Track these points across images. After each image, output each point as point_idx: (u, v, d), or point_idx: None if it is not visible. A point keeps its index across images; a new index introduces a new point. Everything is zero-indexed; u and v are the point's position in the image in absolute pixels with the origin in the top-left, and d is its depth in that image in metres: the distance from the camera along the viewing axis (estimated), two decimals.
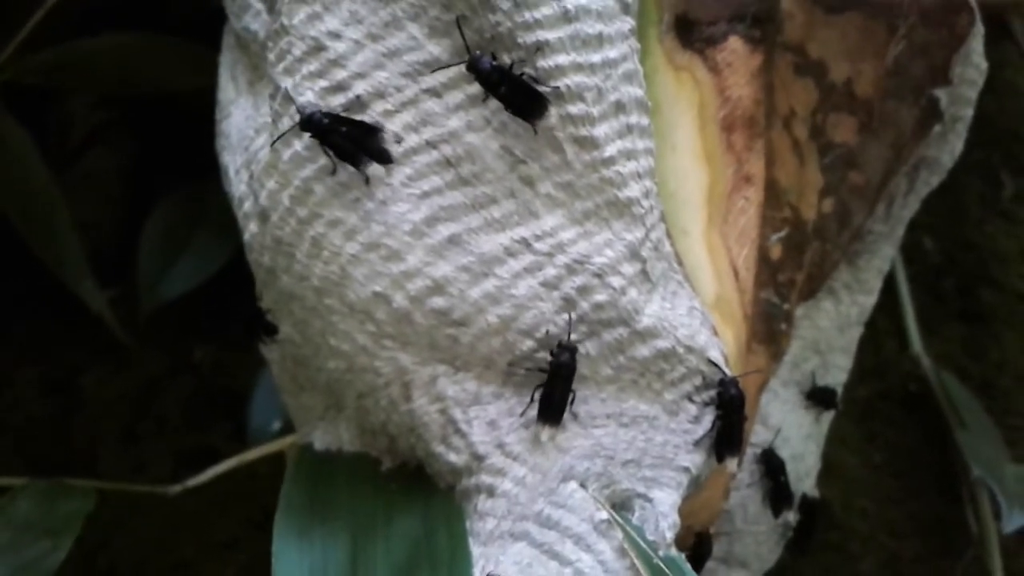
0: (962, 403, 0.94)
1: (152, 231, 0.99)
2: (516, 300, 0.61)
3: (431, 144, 0.61)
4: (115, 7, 0.99)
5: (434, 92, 0.61)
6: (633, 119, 0.62)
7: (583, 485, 0.60)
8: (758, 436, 0.75)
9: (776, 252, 0.71)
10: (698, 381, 0.64)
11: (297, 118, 0.61)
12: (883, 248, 0.81)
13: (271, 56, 0.65)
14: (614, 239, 0.61)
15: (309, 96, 0.62)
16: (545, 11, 0.59)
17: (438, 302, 0.61)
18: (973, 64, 0.76)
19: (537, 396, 0.61)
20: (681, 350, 0.63)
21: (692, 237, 0.68)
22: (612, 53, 0.61)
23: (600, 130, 0.61)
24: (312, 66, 0.62)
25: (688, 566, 0.59)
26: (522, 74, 0.60)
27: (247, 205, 0.68)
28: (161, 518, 0.93)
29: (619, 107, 0.61)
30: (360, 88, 0.62)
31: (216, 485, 0.85)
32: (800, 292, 0.73)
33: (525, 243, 0.61)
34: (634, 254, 0.62)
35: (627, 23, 0.63)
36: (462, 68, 0.60)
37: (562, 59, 0.60)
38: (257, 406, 0.95)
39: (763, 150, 0.71)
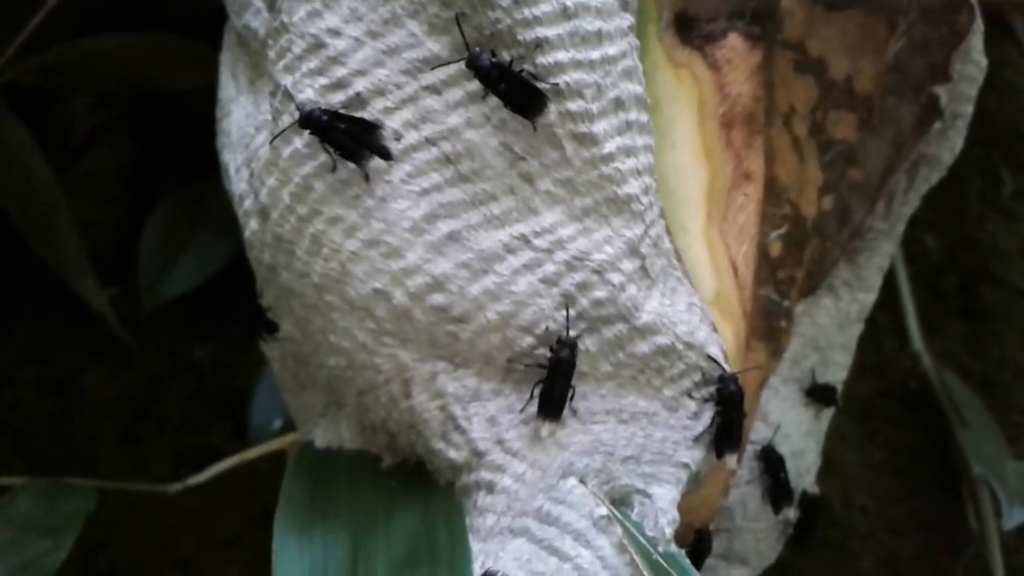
0: (962, 400, 0.94)
1: (152, 230, 0.99)
2: (515, 297, 0.61)
3: (431, 141, 0.61)
4: (115, 7, 0.99)
5: (434, 89, 0.61)
6: (632, 116, 0.62)
7: (583, 481, 0.60)
8: (758, 433, 0.75)
9: (776, 249, 0.71)
10: (697, 377, 0.64)
11: (297, 115, 0.61)
12: (883, 245, 0.81)
13: (271, 54, 0.65)
14: (613, 236, 0.62)
15: (309, 93, 0.62)
16: (544, 8, 0.59)
17: (438, 299, 0.61)
18: (973, 61, 0.76)
19: (537, 392, 0.61)
20: (680, 346, 0.63)
21: (691, 234, 0.68)
22: (611, 50, 0.61)
23: (599, 127, 0.61)
24: (312, 63, 0.62)
25: (688, 562, 0.59)
26: (521, 71, 0.60)
27: (247, 203, 0.68)
28: (161, 517, 0.93)
29: (618, 104, 0.62)
30: (360, 85, 0.62)
31: (217, 483, 0.85)
32: (800, 289, 0.73)
33: (524, 240, 0.61)
34: (633, 251, 0.62)
35: (626, 20, 0.63)
36: (461, 65, 0.60)
37: (561, 56, 0.60)
38: (258, 405, 0.95)
39: (763, 147, 0.71)
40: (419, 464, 0.65)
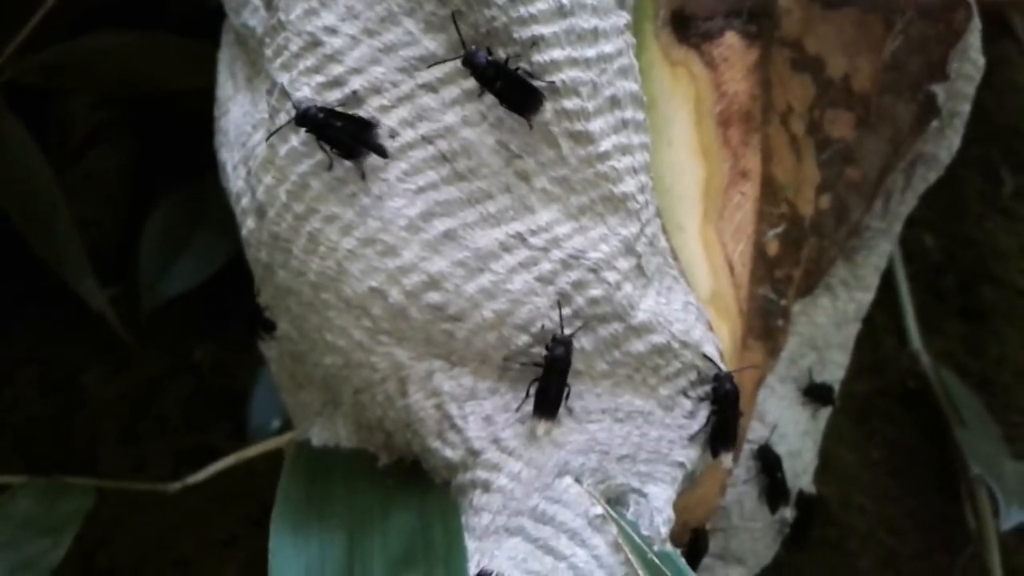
0: (961, 400, 0.94)
1: (152, 230, 0.99)
2: (511, 295, 0.61)
3: (427, 139, 0.61)
4: (115, 7, 0.99)
5: (430, 87, 0.61)
6: (628, 114, 0.62)
7: (578, 480, 0.60)
8: (755, 432, 0.75)
9: (773, 248, 0.71)
10: (693, 376, 0.64)
11: (293, 113, 0.61)
12: (881, 244, 0.81)
13: (268, 52, 0.65)
14: (609, 234, 0.62)
15: (306, 92, 0.62)
16: (540, 6, 0.59)
17: (434, 297, 0.61)
18: (970, 60, 0.76)
19: (533, 391, 0.61)
20: (676, 345, 0.63)
21: (688, 232, 0.68)
22: (607, 48, 0.61)
23: (595, 125, 0.61)
24: (309, 61, 0.62)
25: (683, 561, 0.59)
26: (517, 69, 0.60)
27: (245, 201, 0.68)
28: (160, 516, 0.93)
29: (614, 102, 0.62)
30: (356, 83, 0.62)
31: (215, 483, 0.85)
32: (797, 288, 0.73)
33: (520, 238, 0.61)
34: (629, 249, 0.62)
35: (623, 18, 0.63)
36: (458, 63, 0.60)
37: (557, 54, 0.60)
38: (257, 405, 0.95)
39: (759, 145, 0.71)
40: (415, 463, 0.65)
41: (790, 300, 0.72)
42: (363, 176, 0.61)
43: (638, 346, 0.62)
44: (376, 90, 0.62)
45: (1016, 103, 1.10)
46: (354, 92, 0.62)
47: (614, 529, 0.58)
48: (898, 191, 0.79)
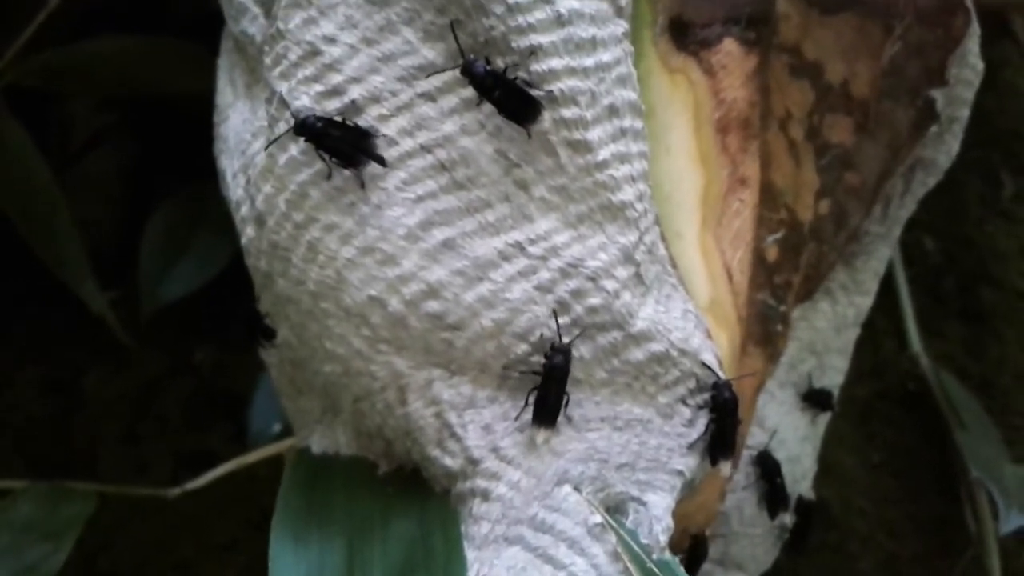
0: (961, 403, 0.94)
1: (153, 232, 0.99)
2: (510, 304, 0.61)
3: (425, 148, 0.61)
4: (116, 10, 0.99)
5: (428, 96, 0.61)
6: (627, 123, 0.62)
7: (577, 489, 0.60)
8: (754, 438, 0.75)
9: (772, 254, 0.71)
10: (692, 384, 0.64)
11: (292, 122, 0.61)
12: (880, 249, 0.81)
13: (267, 60, 0.65)
14: (608, 243, 0.62)
15: (304, 100, 0.62)
16: (538, 15, 0.59)
17: (433, 306, 0.61)
18: (969, 65, 0.76)
19: (531, 399, 0.61)
20: (675, 353, 0.63)
21: (686, 240, 0.68)
22: (605, 57, 0.61)
23: (593, 134, 0.61)
24: (308, 70, 0.62)
25: (681, 569, 0.59)
26: (516, 78, 0.60)
27: (244, 209, 0.68)
28: (161, 520, 0.93)
29: (612, 111, 0.62)
30: (355, 92, 0.62)
31: (216, 487, 0.85)
32: (796, 294, 0.73)
33: (519, 247, 0.61)
34: (628, 258, 0.62)
35: (620, 26, 0.63)
36: (456, 72, 0.60)
37: (555, 63, 0.60)
38: (257, 409, 0.96)
39: (758, 152, 0.70)
40: (415, 471, 0.65)
41: (789, 306, 0.72)
42: (362, 185, 0.61)
43: (637, 354, 0.62)
44: (375, 99, 0.61)
45: (1016, 106, 1.10)
46: (353, 101, 0.62)
47: (613, 538, 0.58)
48: (897, 196, 0.79)
